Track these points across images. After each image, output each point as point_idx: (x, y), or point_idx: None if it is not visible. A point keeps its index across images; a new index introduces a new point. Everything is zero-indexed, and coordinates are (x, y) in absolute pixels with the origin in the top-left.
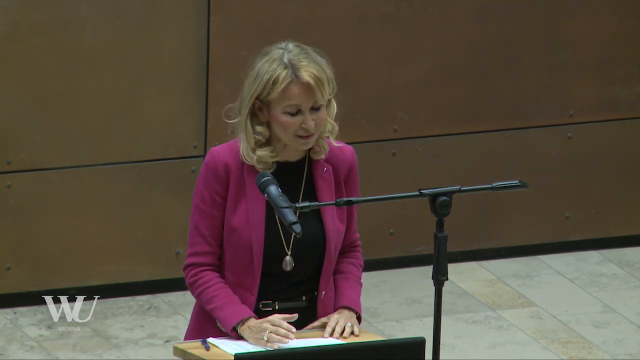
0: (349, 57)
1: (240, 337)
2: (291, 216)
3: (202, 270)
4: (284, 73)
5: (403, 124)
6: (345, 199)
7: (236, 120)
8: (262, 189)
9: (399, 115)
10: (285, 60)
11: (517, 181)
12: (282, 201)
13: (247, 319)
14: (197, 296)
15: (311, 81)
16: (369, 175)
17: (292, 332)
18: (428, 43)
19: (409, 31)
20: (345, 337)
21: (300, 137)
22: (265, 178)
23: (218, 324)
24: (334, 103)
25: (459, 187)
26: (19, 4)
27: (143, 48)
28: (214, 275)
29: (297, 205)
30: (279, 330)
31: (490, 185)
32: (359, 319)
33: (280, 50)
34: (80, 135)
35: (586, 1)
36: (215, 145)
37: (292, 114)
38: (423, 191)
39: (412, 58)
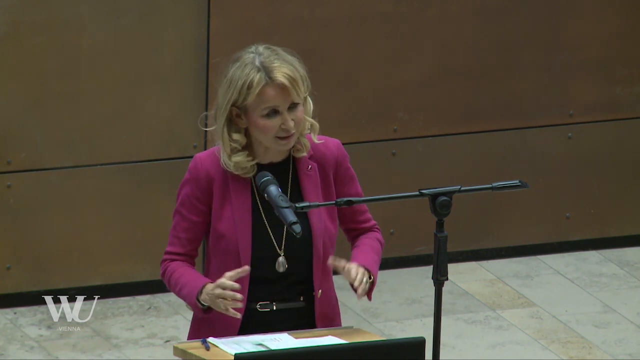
0: (348, 57)
1: (206, 310)
2: (291, 216)
3: (170, 261)
4: (257, 76)
5: (403, 124)
6: (345, 199)
7: (213, 128)
8: (262, 188)
9: (399, 115)
10: (257, 63)
11: (517, 181)
12: (282, 201)
13: (203, 286)
14: (169, 287)
15: (285, 81)
16: (369, 175)
17: (238, 296)
18: (428, 43)
19: (409, 31)
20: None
21: (280, 138)
22: (265, 178)
23: (186, 305)
24: (309, 100)
25: (459, 187)
26: (19, 4)
27: (143, 48)
28: (179, 262)
29: (297, 205)
30: (225, 294)
31: (490, 185)
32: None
33: (251, 54)
34: (80, 135)
35: (586, 1)
36: (214, 146)
37: (270, 117)
38: (423, 191)
39: (411, 58)
